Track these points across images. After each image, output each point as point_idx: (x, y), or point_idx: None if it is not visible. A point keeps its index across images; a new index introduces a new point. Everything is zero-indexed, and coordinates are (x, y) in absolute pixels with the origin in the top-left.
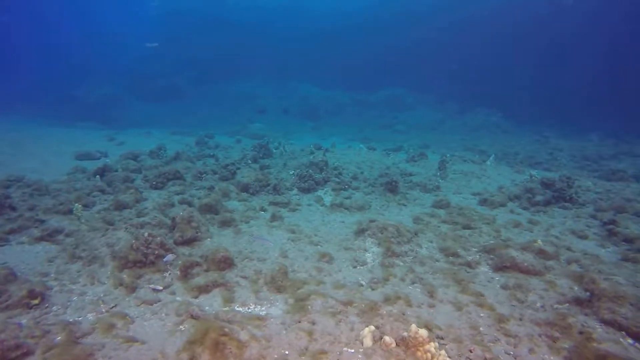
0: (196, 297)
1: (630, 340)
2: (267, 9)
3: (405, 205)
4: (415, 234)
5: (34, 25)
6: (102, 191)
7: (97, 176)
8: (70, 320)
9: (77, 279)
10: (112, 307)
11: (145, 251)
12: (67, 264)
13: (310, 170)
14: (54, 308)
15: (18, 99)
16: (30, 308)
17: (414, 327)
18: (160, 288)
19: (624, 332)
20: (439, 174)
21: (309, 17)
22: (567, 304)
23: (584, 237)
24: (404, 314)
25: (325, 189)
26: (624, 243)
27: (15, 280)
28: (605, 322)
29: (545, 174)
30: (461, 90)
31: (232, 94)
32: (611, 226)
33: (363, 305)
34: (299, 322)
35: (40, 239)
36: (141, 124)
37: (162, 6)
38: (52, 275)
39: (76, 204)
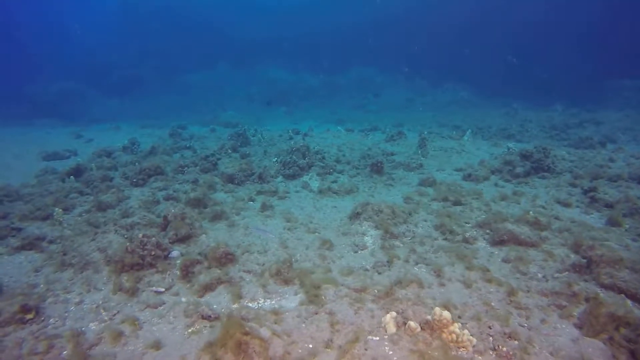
0: (202, 296)
1: (630, 302)
2: None
3: (392, 186)
4: (410, 214)
5: None
6: (80, 192)
7: (72, 177)
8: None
9: (70, 287)
10: (115, 313)
11: (141, 253)
12: (56, 272)
13: (294, 157)
14: (51, 320)
15: None
16: (25, 323)
17: (437, 309)
18: (163, 290)
19: (623, 295)
20: (419, 151)
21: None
22: (567, 272)
23: (568, 205)
24: (419, 297)
25: (310, 174)
26: (605, 208)
27: (1, 295)
28: (605, 287)
29: (519, 146)
30: (430, 67)
31: (198, 82)
32: (592, 193)
33: (376, 291)
34: (316, 313)
35: (21, 248)
36: (106, 118)
37: None
38: (41, 286)
39: (56, 208)
